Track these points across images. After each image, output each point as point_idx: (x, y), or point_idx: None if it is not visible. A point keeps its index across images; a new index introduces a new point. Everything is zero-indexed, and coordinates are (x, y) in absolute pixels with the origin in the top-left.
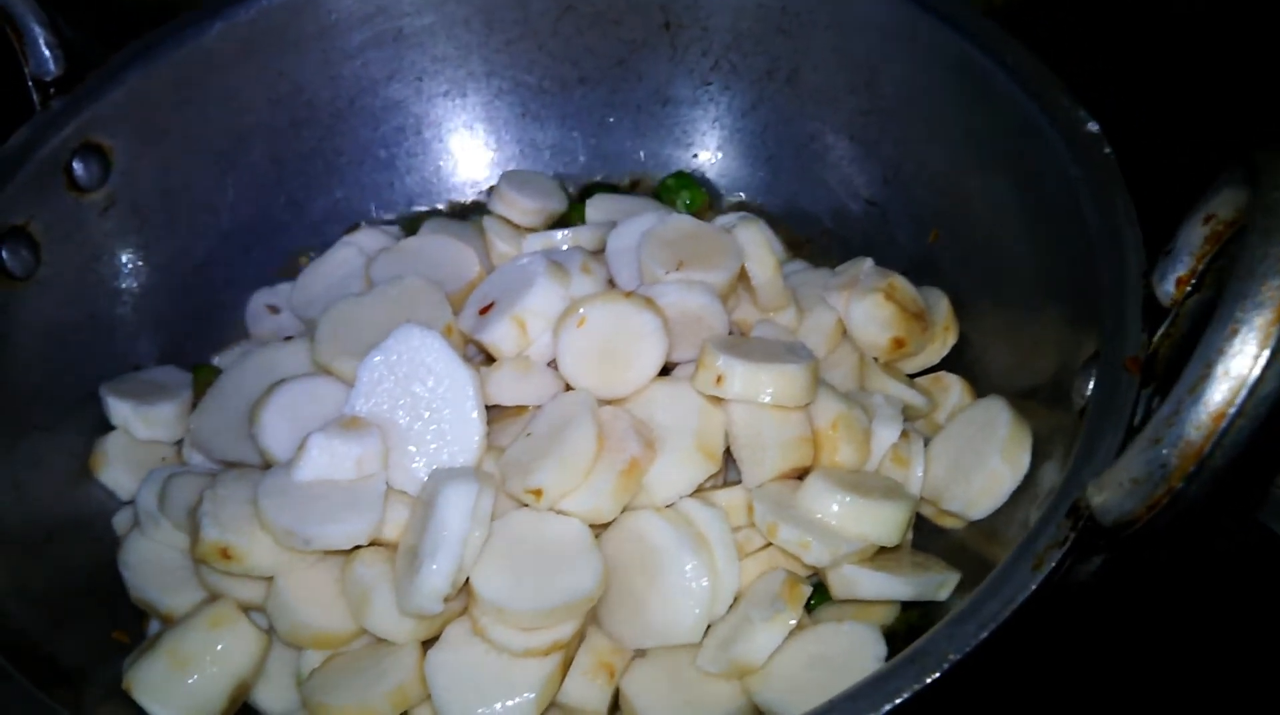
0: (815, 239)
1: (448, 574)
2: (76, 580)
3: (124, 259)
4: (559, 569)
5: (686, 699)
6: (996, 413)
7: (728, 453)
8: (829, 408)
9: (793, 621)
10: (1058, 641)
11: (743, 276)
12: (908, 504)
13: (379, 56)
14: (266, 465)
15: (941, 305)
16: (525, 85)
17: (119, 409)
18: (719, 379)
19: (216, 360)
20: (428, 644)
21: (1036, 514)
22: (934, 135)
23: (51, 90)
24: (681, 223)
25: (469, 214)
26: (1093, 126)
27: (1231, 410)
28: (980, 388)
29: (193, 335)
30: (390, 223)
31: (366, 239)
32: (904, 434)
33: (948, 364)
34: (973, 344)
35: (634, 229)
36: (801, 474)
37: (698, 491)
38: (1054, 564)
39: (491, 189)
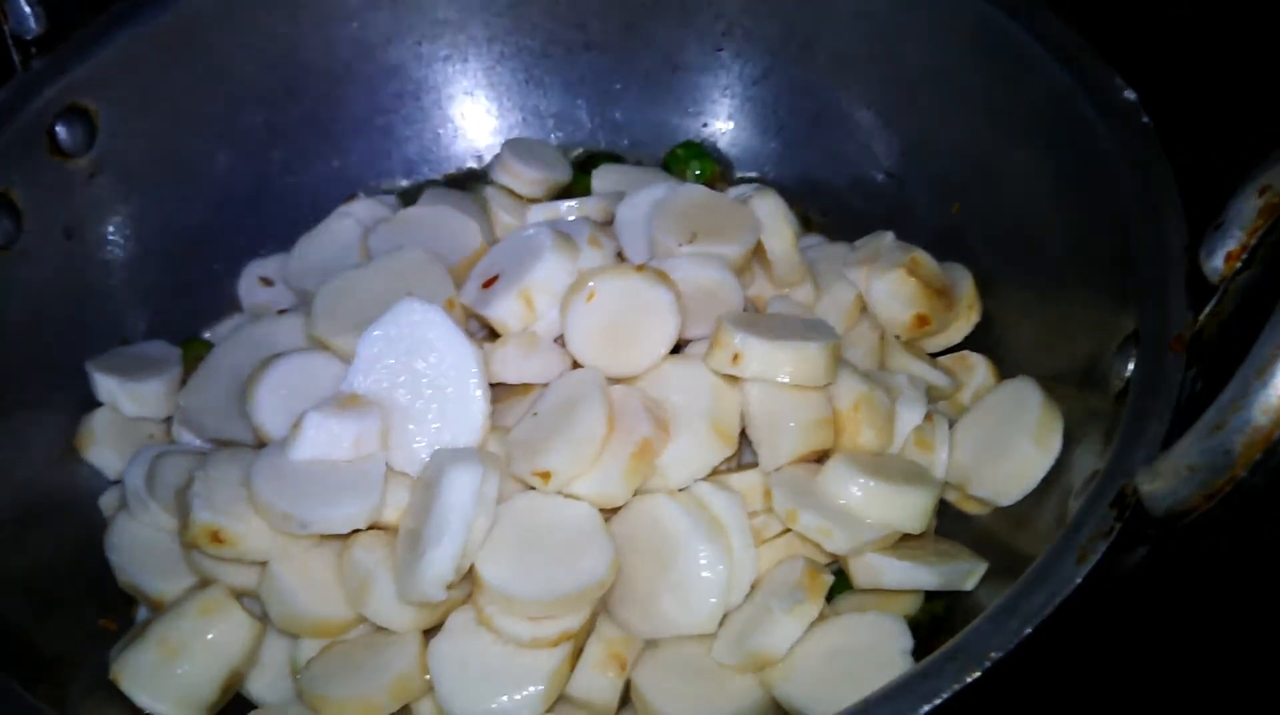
0: (831, 212)
1: (452, 559)
2: (61, 564)
3: (110, 228)
4: (568, 555)
5: (701, 692)
6: (1027, 394)
7: (742, 435)
8: (851, 388)
9: (814, 613)
10: (1092, 637)
11: (758, 250)
12: (934, 489)
13: (376, 19)
14: (260, 444)
15: (965, 282)
16: (529, 50)
17: (105, 385)
18: (736, 357)
19: (208, 334)
20: (429, 634)
21: (1076, 502)
22: (957, 104)
23: (33, 50)
24: (694, 193)
25: (469, 184)
26: (1129, 94)
27: None
28: (1005, 368)
29: (182, 308)
30: (388, 193)
31: (364, 209)
32: (928, 416)
33: (970, 343)
34: (996, 322)
35: (644, 200)
36: (820, 457)
37: (712, 475)
38: (1099, 556)
39: (493, 159)
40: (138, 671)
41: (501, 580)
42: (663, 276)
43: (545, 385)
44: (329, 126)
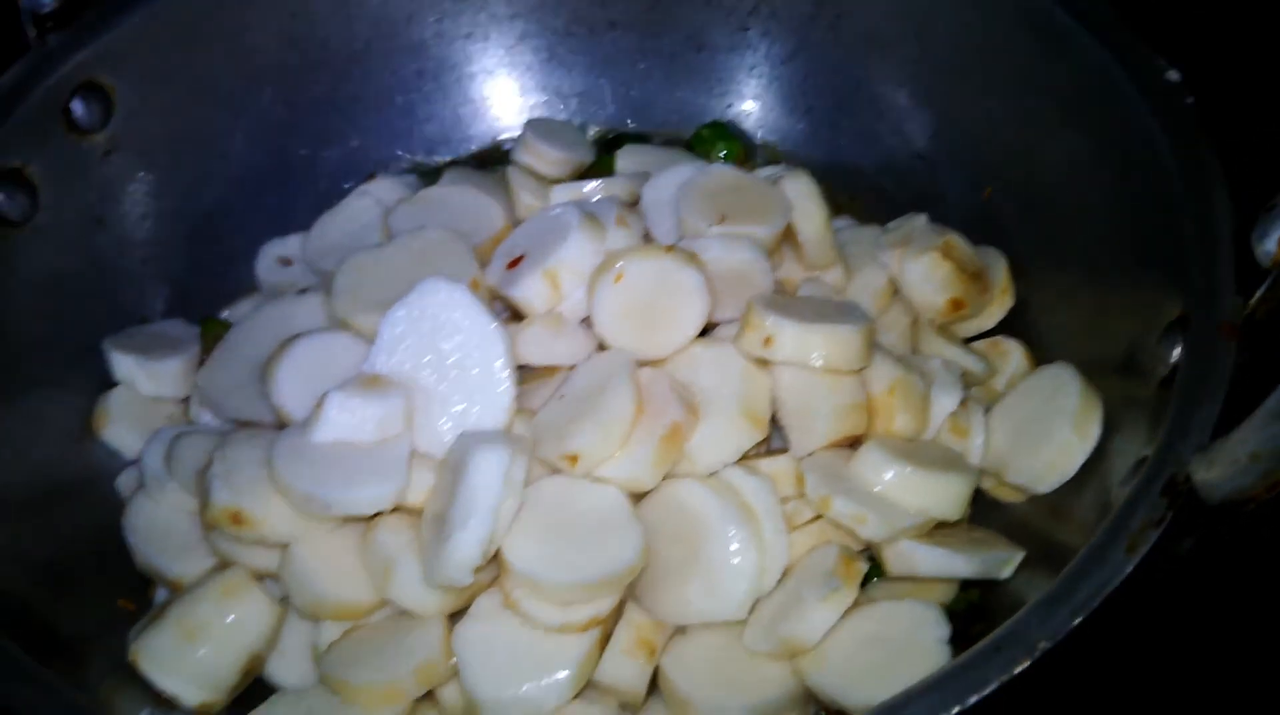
0: (859, 195)
1: (479, 543)
2: (79, 545)
3: (128, 206)
4: (596, 540)
5: (731, 679)
6: (1065, 381)
7: (773, 420)
8: (886, 372)
9: (849, 600)
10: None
11: (788, 232)
12: (970, 475)
13: None
14: (279, 424)
15: (998, 266)
16: (552, 29)
17: (123, 363)
18: (768, 340)
19: (225, 314)
20: (453, 618)
21: (1123, 490)
22: (991, 84)
23: (49, 24)
24: (724, 173)
25: (490, 164)
26: (1173, 75)
27: None
28: (1039, 354)
29: (200, 287)
30: (408, 172)
31: (384, 189)
32: (962, 402)
33: (1003, 329)
34: (1030, 308)
35: (672, 180)
36: (852, 443)
37: (742, 460)
38: (1151, 545)
39: (514, 138)
40: (157, 653)
41: (529, 564)
42: (692, 257)
43: (571, 367)
44: (348, 105)
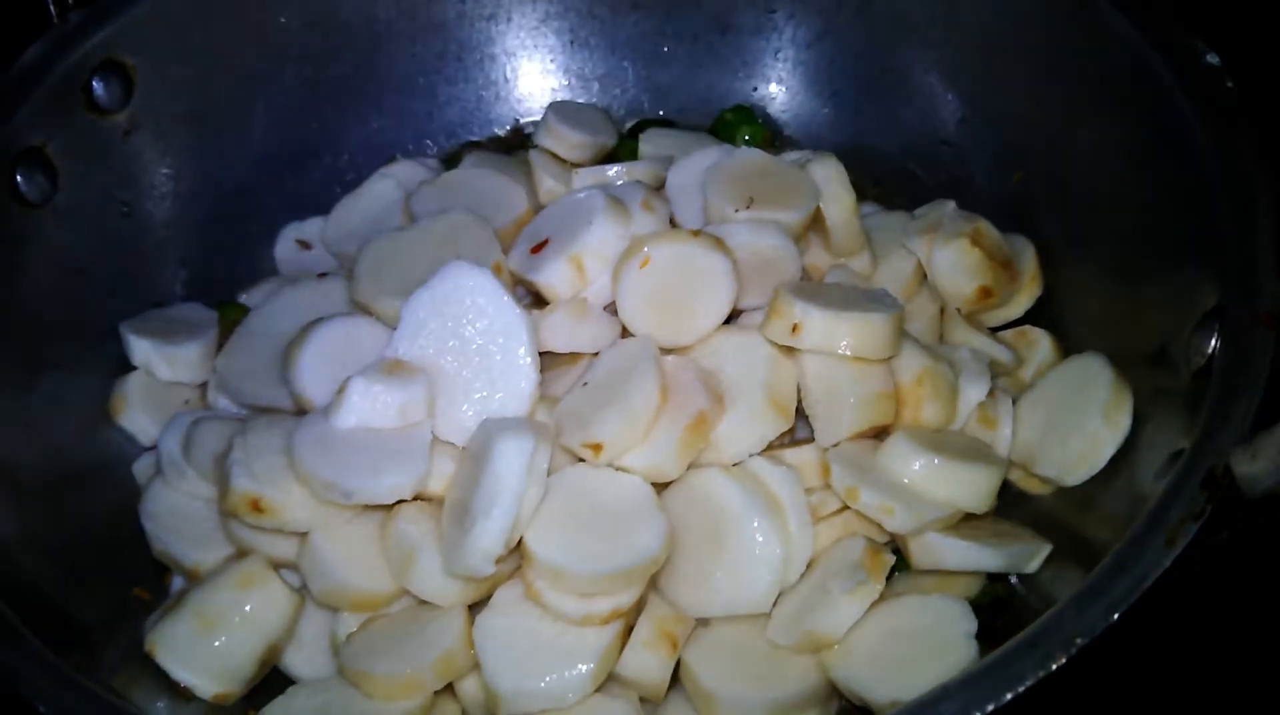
0: (886, 180)
1: (501, 532)
2: (94, 532)
3: (146, 187)
4: (620, 530)
5: (755, 673)
6: (1096, 371)
7: (798, 409)
8: (914, 361)
9: (876, 593)
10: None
11: (815, 217)
12: (999, 467)
13: None
14: (299, 411)
15: (1027, 254)
16: (574, 10)
17: (140, 348)
18: (795, 328)
19: (244, 298)
20: (474, 609)
21: (1157, 484)
22: (1021, 68)
23: (70, 2)
24: (751, 157)
25: (512, 148)
26: (1211, 58)
27: None
28: (1067, 344)
29: (218, 270)
30: (429, 155)
31: (405, 172)
32: (991, 392)
33: (1030, 318)
34: (1058, 297)
35: (698, 164)
36: (879, 433)
37: (767, 450)
38: (1190, 539)
39: (536, 122)
40: (173, 643)
41: (552, 554)
42: (719, 243)
43: (595, 354)
44: (369, 86)
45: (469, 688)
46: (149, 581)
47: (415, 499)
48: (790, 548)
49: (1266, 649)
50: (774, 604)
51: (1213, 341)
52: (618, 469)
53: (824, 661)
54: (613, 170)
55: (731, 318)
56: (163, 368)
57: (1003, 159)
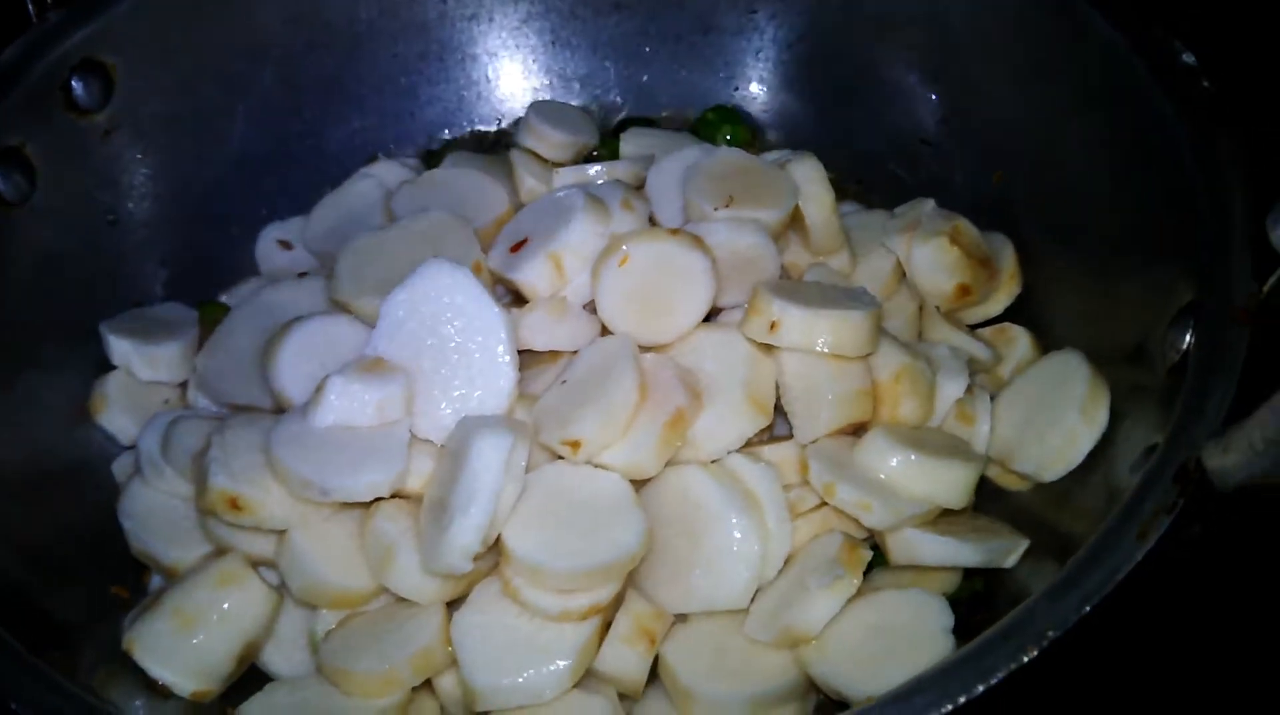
0: (867, 179)
1: (479, 529)
2: (73, 531)
3: (127, 187)
4: (598, 527)
5: (733, 669)
6: (1074, 367)
7: (777, 406)
8: (892, 359)
9: (853, 589)
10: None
11: (794, 217)
12: (977, 463)
13: None
14: (278, 409)
15: (1006, 251)
16: (556, 10)
17: (120, 347)
18: (773, 325)
19: (225, 297)
20: (452, 606)
21: (1132, 478)
22: (1002, 68)
23: (49, 1)
24: (730, 156)
25: (494, 147)
26: (1188, 58)
27: None
28: (1046, 341)
29: (199, 270)
30: (410, 155)
31: (385, 171)
32: (969, 388)
33: (1010, 315)
34: (1037, 294)
35: (677, 163)
36: (857, 430)
37: (746, 447)
38: (1162, 532)
39: (517, 121)
40: (151, 641)
41: (529, 551)
42: (698, 241)
43: (574, 352)
44: (350, 86)
45: (447, 684)
46: (128, 580)
47: (394, 497)
48: (768, 544)
49: (1240, 641)
50: (752, 600)
51: (1188, 337)
52: (596, 466)
53: (801, 657)
54: (594, 169)
55: (711, 316)
56: (142, 367)
57: (984, 158)
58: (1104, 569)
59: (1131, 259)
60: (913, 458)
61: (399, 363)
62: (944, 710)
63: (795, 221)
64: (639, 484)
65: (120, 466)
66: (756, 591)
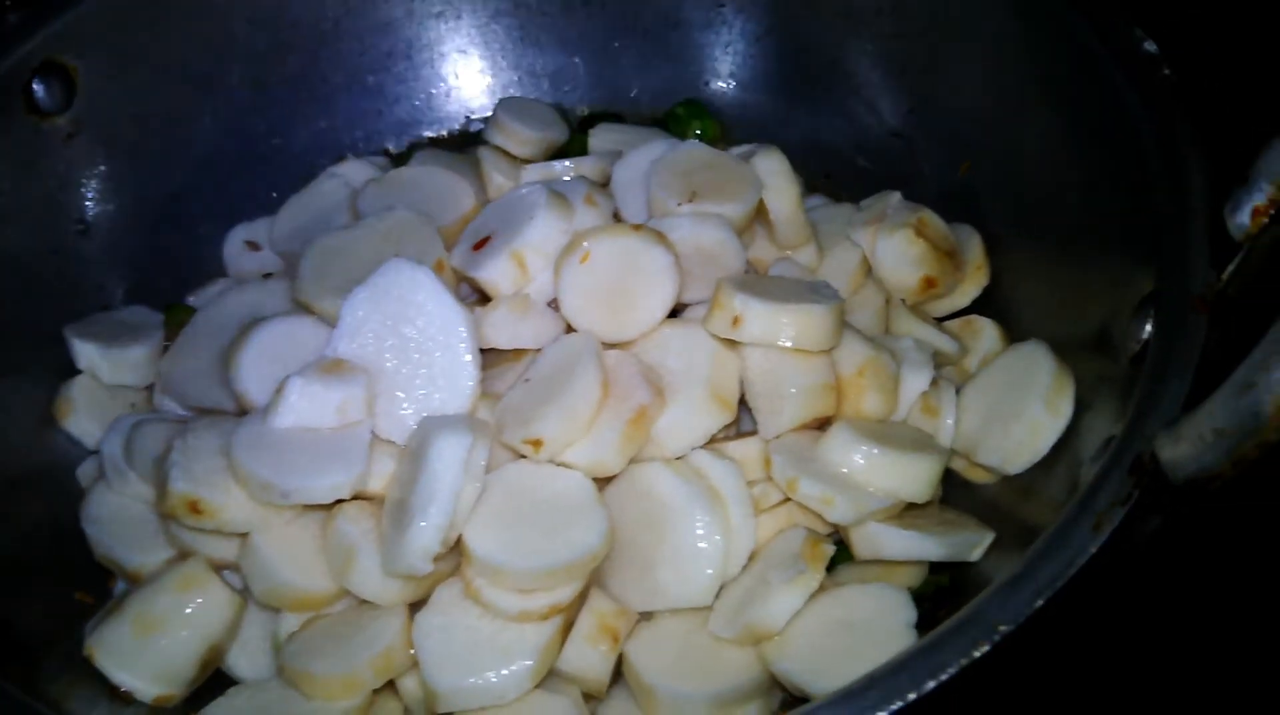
0: (835, 173)
1: (438, 530)
2: (37, 537)
3: (90, 190)
4: (560, 526)
5: (697, 666)
6: (1038, 359)
7: (742, 401)
8: (855, 352)
9: (815, 583)
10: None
11: (760, 211)
12: (940, 457)
13: None
14: (242, 412)
15: (973, 243)
16: (524, 6)
17: (85, 351)
18: (736, 320)
19: (191, 299)
20: (415, 607)
21: (1092, 469)
22: (968, 59)
23: (8, 2)
24: (695, 151)
25: (463, 145)
26: (1149, 46)
27: None
28: (1014, 333)
29: (166, 273)
30: (378, 154)
31: (353, 170)
32: (934, 381)
33: (977, 307)
34: (1005, 286)
35: (642, 158)
36: (822, 424)
37: (710, 443)
38: (1116, 524)
39: (487, 119)
40: (113, 646)
41: (490, 552)
42: (660, 237)
43: (538, 350)
44: (317, 86)
45: (410, 686)
46: (92, 586)
47: (356, 499)
48: (732, 540)
49: (1203, 633)
50: (716, 597)
51: (1148, 327)
52: (559, 465)
53: (764, 654)
54: (560, 166)
55: (676, 312)
56: (107, 371)
57: (951, 150)
58: (1057, 562)
59: (1096, 249)
60: (875, 452)
61: (360, 363)
62: (894, 707)
63: (761, 215)
64: (602, 482)
65: (85, 471)
66: (721, 588)
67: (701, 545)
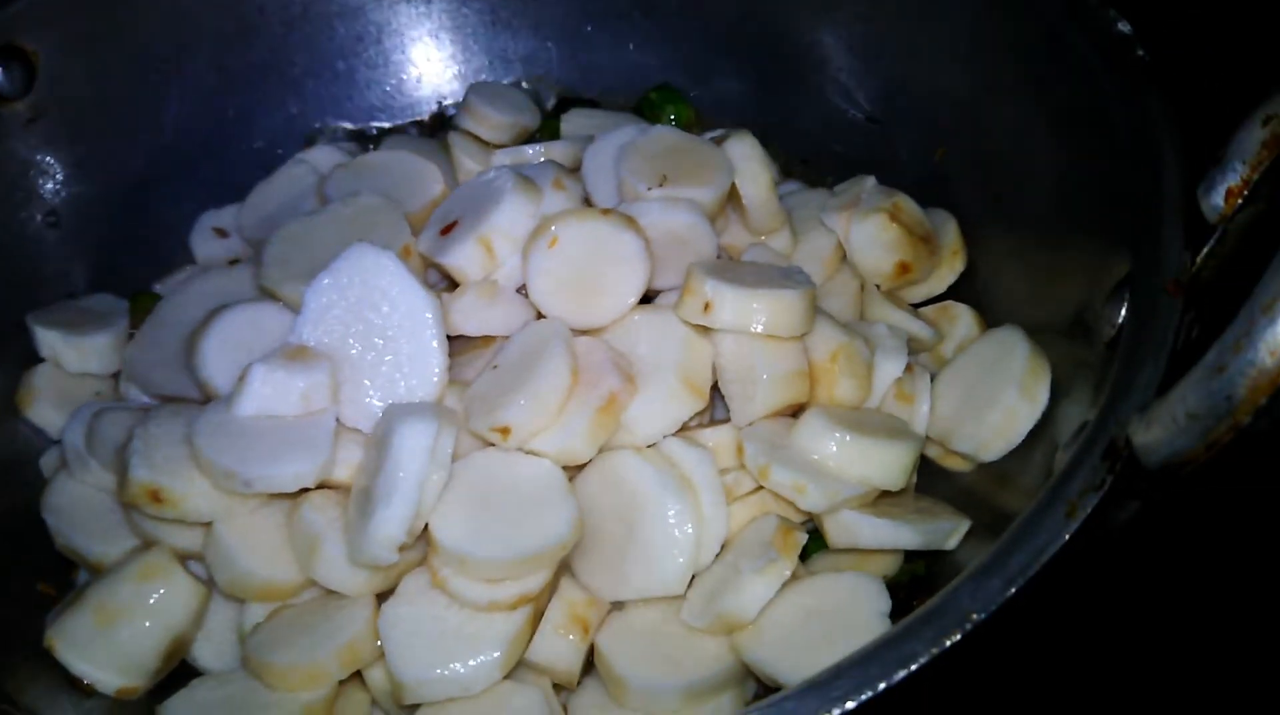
0: (810, 158)
1: (403, 520)
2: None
3: (53, 176)
4: (528, 514)
5: (669, 656)
6: (1013, 344)
7: (714, 388)
8: (828, 338)
9: (787, 572)
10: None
11: (733, 195)
12: (914, 444)
13: None
14: (207, 400)
15: (949, 228)
16: None
17: (47, 339)
18: (707, 306)
19: (158, 287)
20: (382, 597)
21: (1066, 455)
22: (941, 42)
23: None
24: (665, 135)
25: (434, 131)
26: (1123, 27)
27: None
28: (990, 318)
29: (132, 261)
30: (348, 140)
31: (321, 156)
32: (908, 367)
33: (953, 293)
34: (981, 270)
35: (613, 143)
36: (796, 411)
37: (682, 430)
38: (1089, 511)
39: (458, 104)
40: (74, 638)
41: (457, 541)
42: (630, 221)
43: (506, 337)
44: (285, 71)
45: (378, 677)
46: (54, 577)
47: (321, 487)
48: (703, 529)
49: (1182, 621)
50: (688, 586)
51: (1123, 311)
52: (527, 453)
53: (737, 643)
54: (530, 150)
55: (648, 298)
56: (71, 358)
57: (926, 134)
58: (1029, 550)
59: (1071, 233)
60: (848, 438)
61: (325, 350)
62: (863, 697)
63: (734, 200)
64: (572, 470)
65: (47, 461)
66: (693, 577)
67: (673, 534)
